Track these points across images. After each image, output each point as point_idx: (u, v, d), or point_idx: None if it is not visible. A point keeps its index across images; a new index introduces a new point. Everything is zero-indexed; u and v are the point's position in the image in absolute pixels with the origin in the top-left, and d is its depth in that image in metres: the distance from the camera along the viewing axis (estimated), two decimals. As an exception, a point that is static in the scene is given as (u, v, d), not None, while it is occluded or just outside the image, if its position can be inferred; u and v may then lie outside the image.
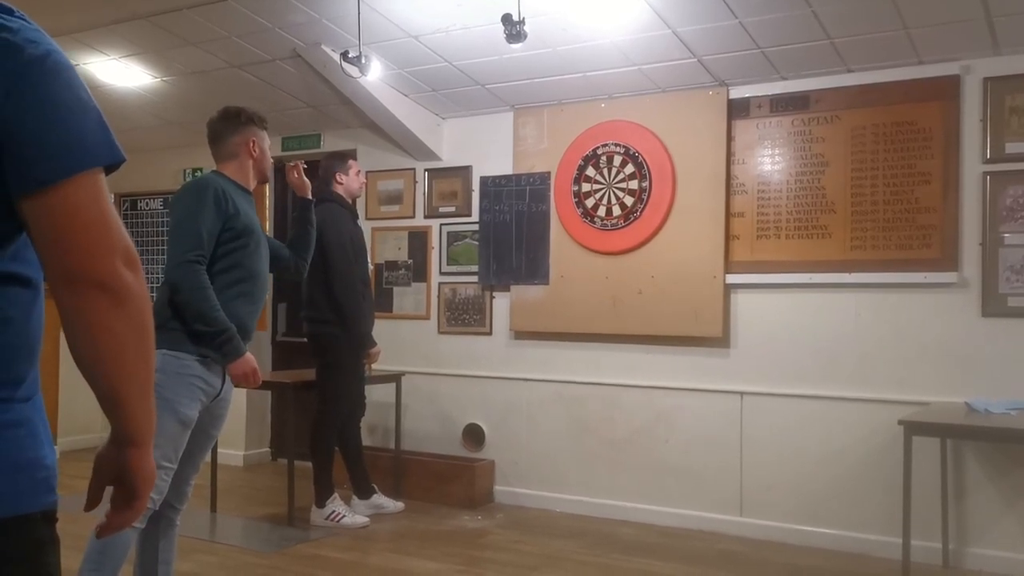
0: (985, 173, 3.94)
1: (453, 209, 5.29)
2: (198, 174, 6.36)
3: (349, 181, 4.58)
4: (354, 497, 4.67)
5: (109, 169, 1.12)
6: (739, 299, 4.46)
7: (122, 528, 1.21)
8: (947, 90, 4.01)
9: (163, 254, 6.48)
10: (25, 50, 1.04)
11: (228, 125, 2.92)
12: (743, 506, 4.40)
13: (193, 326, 2.68)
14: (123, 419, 1.14)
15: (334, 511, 4.45)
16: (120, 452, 1.17)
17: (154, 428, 1.20)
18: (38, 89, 1.04)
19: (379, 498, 4.71)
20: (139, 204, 6.67)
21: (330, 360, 4.49)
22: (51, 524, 1.15)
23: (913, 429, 3.40)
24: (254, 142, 2.94)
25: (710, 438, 4.49)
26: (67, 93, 1.07)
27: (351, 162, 4.66)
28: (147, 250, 6.60)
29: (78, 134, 1.07)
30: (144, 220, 6.64)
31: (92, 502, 1.22)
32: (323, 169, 4.62)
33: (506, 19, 3.69)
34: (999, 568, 3.79)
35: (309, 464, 4.53)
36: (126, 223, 6.72)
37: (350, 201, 4.64)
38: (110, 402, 1.12)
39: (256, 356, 2.85)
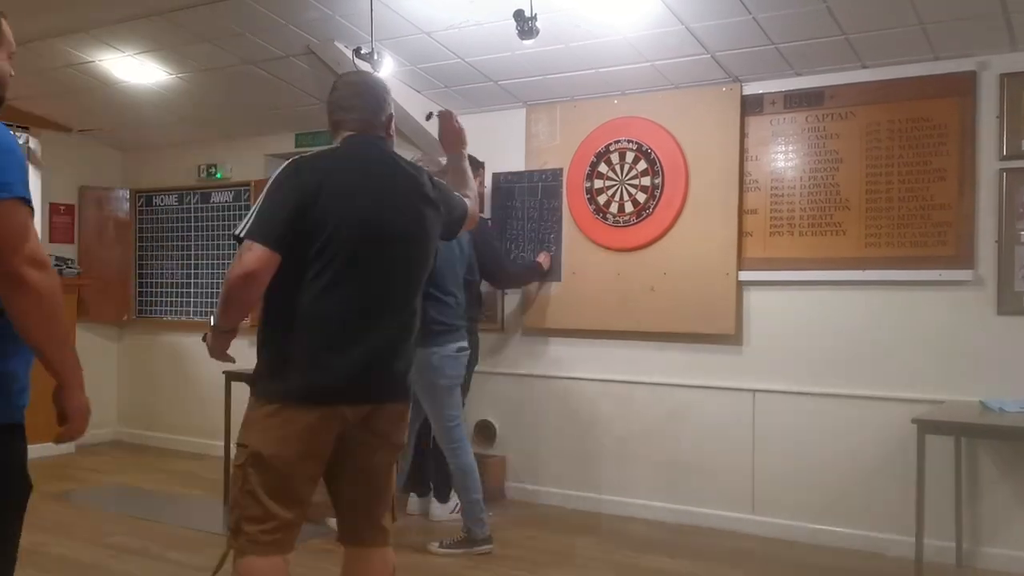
0: (1001, 170, 3.90)
1: (465, 205, 5.29)
2: (212, 170, 6.40)
3: None
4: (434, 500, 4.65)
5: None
6: (752, 296, 4.44)
7: (70, 439, 1.80)
8: (963, 86, 3.97)
9: (178, 250, 6.54)
10: None
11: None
12: (755, 503, 4.39)
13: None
14: (50, 369, 1.71)
15: (458, 503, 4.32)
16: (55, 393, 1.74)
17: (78, 377, 1.75)
18: None
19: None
20: (154, 200, 6.70)
21: None
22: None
23: (927, 428, 3.37)
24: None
25: (722, 435, 4.48)
26: None
27: None
28: (162, 246, 6.64)
29: None
30: (159, 216, 6.68)
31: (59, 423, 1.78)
32: None
33: (518, 15, 3.68)
34: (1013, 568, 3.76)
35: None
36: (141, 219, 6.81)
37: None
38: (40, 358, 1.71)
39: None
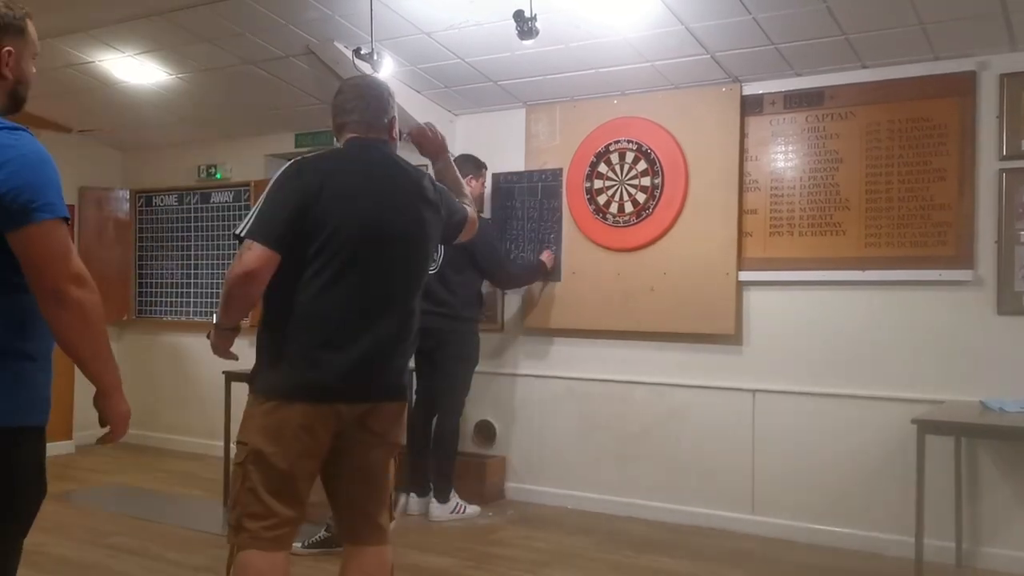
0: (1001, 170, 3.90)
1: (465, 205, 5.29)
2: (212, 170, 6.40)
3: None
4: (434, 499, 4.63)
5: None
6: (752, 296, 4.44)
7: (111, 442, 1.88)
8: (963, 86, 3.97)
9: (178, 250, 6.54)
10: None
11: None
12: (755, 504, 4.39)
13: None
14: (92, 379, 1.80)
15: (458, 504, 4.57)
16: (97, 398, 1.82)
17: (117, 385, 1.82)
18: None
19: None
20: (154, 200, 6.71)
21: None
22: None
23: (927, 428, 3.37)
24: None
25: (722, 435, 4.47)
26: None
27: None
28: (162, 246, 6.64)
29: None
30: (159, 216, 6.68)
31: (101, 426, 1.87)
32: None
33: (518, 15, 3.68)
34: (1013, 568, 3.76)
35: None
36: (141, 219, 6.81)
37: None
38: (83, 370, 1.77)
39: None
